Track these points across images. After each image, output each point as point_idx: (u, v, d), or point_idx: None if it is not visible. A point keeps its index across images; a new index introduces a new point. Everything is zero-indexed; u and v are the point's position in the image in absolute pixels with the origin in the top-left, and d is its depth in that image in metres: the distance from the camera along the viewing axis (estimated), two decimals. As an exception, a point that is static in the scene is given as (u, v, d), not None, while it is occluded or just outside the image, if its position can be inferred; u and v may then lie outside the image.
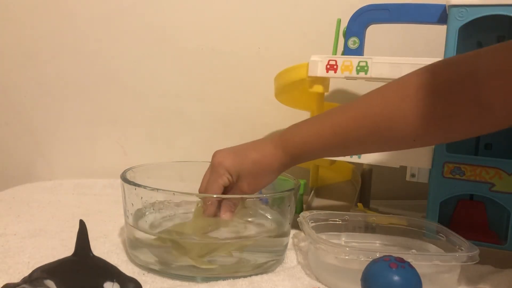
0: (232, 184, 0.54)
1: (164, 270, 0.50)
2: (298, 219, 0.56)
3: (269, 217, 0.59)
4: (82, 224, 0.45)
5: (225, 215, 0.53)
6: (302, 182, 0.65)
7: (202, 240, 0.51)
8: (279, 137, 0.55)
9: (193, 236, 0.51)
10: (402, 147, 0.52)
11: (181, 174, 0.55)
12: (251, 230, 0.56)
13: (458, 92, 0.44)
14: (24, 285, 0.41)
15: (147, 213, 0.55)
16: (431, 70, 0.47)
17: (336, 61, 0.66)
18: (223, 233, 0.53)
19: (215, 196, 0.52)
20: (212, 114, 0.96)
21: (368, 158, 0.65)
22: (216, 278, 0.48)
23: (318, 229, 0.57)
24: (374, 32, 0.71)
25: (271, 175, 0.55)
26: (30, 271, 0.42)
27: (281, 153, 0.54)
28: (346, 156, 0.66)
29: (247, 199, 0.56)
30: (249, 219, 0.57)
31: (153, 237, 0.51)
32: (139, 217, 0.54)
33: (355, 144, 0.52)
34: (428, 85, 0.46)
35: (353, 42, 0.68)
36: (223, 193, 0.55)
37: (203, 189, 0.55)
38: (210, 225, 0.52)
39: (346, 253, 0.47)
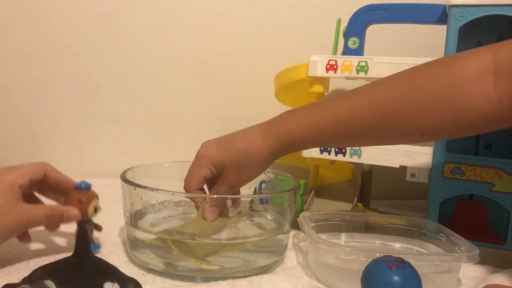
0: (216, 176, 0.52)
1: (164, 270, 0.50)
2: (298, 219, 0.56)
3: (269, 217, 0.59)
4: (82, 225, 0.45)
5: (210, 215, 0.51)
6: (302, 182, 0.65)
7: (203, 241, 0.51)
8: (271, 123, 0.51)
9: (195, 237, 0.51)
10: (407, 141, 0.50)
11: (181, 174, 0.55)
12: (251, 230, 0.56)
13: (474, 84, 0.42)
14: (24, 285, 0.41)
15: (147, 213, 0.55)
16: (445, 63, 0.45)
17: (336, 61, 0.66)
18: (224, 233, 0.53)
19: (215, 196, 0.52)
20: (212, 114, 0.96)
21: (368, 158, 0.65)
22: (216, 278, 0.48)
23: (318, 229, 0.57)
24: (374, 32, 0.71)
25: (259, 166, 0.52)
26: (30, 271, 0.42)
27: (271, 141, 0.50)
28: (346, 156, 0.66)
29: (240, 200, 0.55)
30: (248, 219, 0.57)
31: (153, 237, 0.51)
32: (139, 217, 0.54)
33: (357, 135, 0.48)
34: (441, 77, 0.44)
35: (353, 42, 0.68)
36: (208, 185, 0.53)
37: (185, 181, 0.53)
38: (211, 226, 0.52)
39: (346, 253, 0.47)
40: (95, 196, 0.53)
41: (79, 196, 0.52)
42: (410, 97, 0.45)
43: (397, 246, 0.58)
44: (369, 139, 0.50)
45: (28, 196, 0.52)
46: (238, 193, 0.56)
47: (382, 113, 0.46)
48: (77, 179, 0.54)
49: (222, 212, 0.54)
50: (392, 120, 0.45)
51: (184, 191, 0.53)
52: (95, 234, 0.56)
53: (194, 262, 0.48)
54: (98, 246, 0.55)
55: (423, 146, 0.62)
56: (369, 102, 0.47)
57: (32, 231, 0.60)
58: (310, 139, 0.49)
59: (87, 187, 0.53)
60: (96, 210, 0.53)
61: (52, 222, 0.49)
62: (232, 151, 0.51)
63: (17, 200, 0.47)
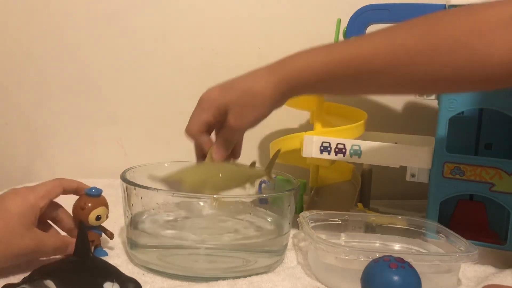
0: (220, 122, 0.51)
1: (164, 271, 0.50)
2: (298, 219, 0.56)
3: (268, 217, 0.59)
4: (82, 225, 0.45)
5: (217, 154, 0.50)
6: (302, 182, 0.65)
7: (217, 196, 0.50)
8: (278, 62, 0.49)
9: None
10: (421, 88, 0.49)
11: (181, 174, 0.55)
12: (251, 231, 0.57)
13: (496, 32, 0.41)
14: (24, 285, 0.41)
15: (147, 213, 0.55)
16: (467, 10, 0.44)
17: (336, 61, 0.66)
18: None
19: (215, 196, 0.52)
20: (212, 114, 0.96)
21: (368, 158, 0.65)
22: (216, 278, 0.48)
23: (318, 229, 0.57)
24: (374, 32, 0.71)
25: (263, 107, 0.49)
26: (30, 271, 0.42)
27: (276, 79, 0.48)
28: (346, 156, 0.66)
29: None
30: (249, 219, 0.57)
31: (153, 237, 0.51)
32: (139, 217, 0.54)
33: (368, 76, 0.46)
34: (462, 22, 0.43)
35: (353, 42, 0.68)
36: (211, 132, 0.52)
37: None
38: (222, 175, 0.51)
39: (346, 253, 0.47)
40: (101, 204, 0.52)
41: (84, 202, 0.52)
42: (428, 39, 0.43)
43: (397, 246, 0.58)
44: (380, 82, 0.47)
45: (41, 221, 0.51)
46: (241, 143, 0.55)
47: (396, 53, 0.44)
48: (77, 179, 0.54)
49: (233, 153, 0.53)
50: (407, 61, 0.44)
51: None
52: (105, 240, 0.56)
53: (207, 192, 0.48)
54: (105, 253, 0.54)
55: (423, 146, 0.62)
56: (384, 42, 0.45)
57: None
58: (318, 78, 0.47)
59: (97, 193, 0.52)
60: (99, 218, 0.52)
61: (58, 253, 0.49)
62: (236, 91, 0.49)
63: (32, 225, 0.47)
